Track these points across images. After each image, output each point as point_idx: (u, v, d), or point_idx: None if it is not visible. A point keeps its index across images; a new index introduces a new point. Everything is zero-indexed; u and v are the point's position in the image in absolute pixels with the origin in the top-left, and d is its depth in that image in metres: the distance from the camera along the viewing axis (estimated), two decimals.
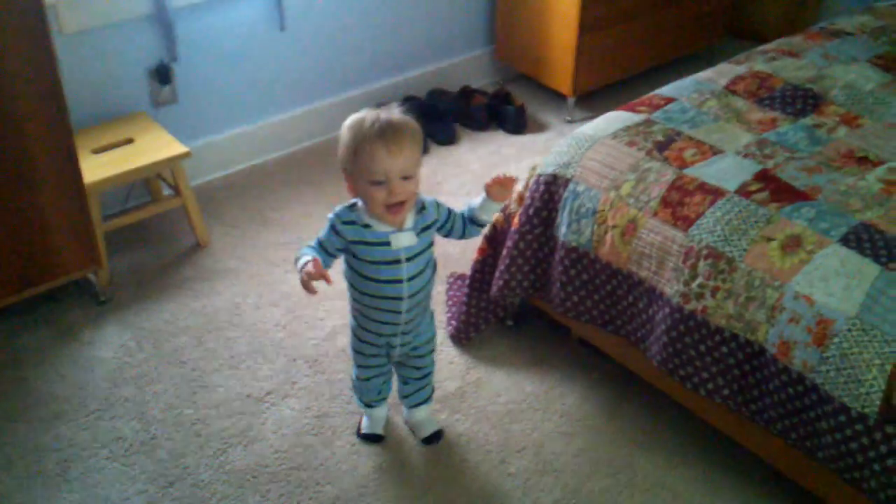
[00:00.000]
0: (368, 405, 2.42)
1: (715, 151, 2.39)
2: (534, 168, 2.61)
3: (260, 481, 2.36)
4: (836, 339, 1.90)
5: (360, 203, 2.04)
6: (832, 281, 1.97)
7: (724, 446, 2.39)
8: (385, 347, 2.23)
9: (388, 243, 2.01)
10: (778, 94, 2.70)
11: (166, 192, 3.46)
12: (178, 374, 2.74)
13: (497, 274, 2.65)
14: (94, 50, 3.19)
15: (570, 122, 4.11)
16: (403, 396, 2.43)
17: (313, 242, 2.06)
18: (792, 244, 2.06)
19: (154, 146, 3.12)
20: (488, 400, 2.61)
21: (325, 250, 2.05)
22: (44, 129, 2.64)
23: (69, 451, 2.47)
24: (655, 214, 2.27)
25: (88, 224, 2.87)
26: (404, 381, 2.39)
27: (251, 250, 3.30)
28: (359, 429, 2.48)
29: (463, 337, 2.80)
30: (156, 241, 3.36)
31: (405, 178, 1.92)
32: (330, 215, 2.05)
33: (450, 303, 2.93)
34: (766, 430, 2.10)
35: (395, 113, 1.95)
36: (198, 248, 3.32)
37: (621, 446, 2.44)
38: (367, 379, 2.33)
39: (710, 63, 3.40)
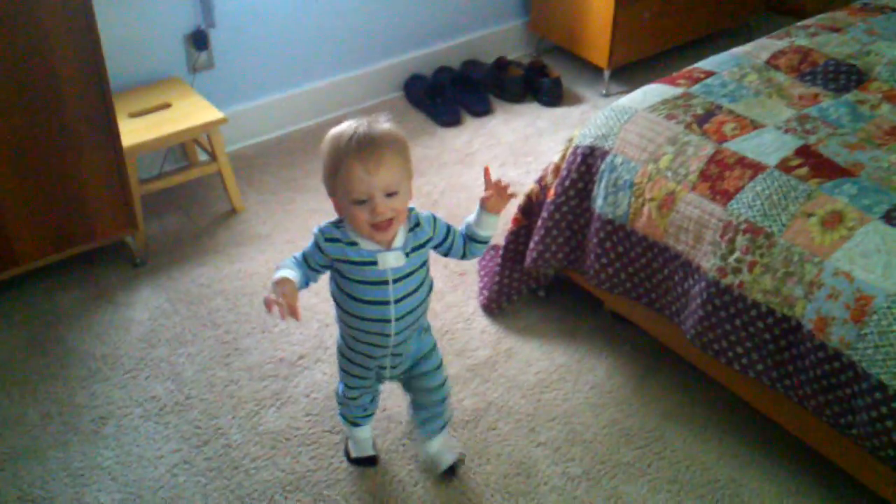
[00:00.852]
0: (353, 423, 2.24)
1: (755, 126, 2.37)
2: (571, 139, 2.60)
3: (292, 443, 2.38)
4: (874, 317, 1.89)
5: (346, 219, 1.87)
6: (873, 258, 1.95)
7: (755, 421, 2.39)
8: (374, 370, 2.08)
9: (374, 263, 1.84)
10: (820, 70, 2.66)
11: (202, 157, 3.49)
12: (211, 336, 2.76)
13: (531, 245, 2.65)
14: (132, 14, 3.20)
15: (605, 95, 4.08)
16: (419, 425, 2.25)
17: (297, 255, 1.91)
18: (832, 220, 2.04)
19: (191, 111, 3.14)
20: (519, 370, 2.61)
21: (309, 265, 1.90)
22: (83, 92, 2.66)
23: (104, 408, 2.51)
24: (694, 188, 2.25)
25: (126, 187, 2.90)
26: (417, 406, 2.21)
27: (285, 216, 3.32)
28: (347, 453, 2.33)
29: (494, 307, 2.81)
30: (191, 206, 3.39)
31: (389, 194, 1.75)
32: (315, 230, 1.89)
33: (482, 273, 2.94)
34: (800, 406, 2.09)
35: (378, 123, 1.77)
36: (233, 213, 3.34)
37: (651, 418, 2.44)
38: (354, 398, 2.16)
39: (748, 38, 3.36)
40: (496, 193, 1.89)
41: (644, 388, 2.54)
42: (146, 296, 2.94)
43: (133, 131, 3.01)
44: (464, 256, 2.01)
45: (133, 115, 3.11)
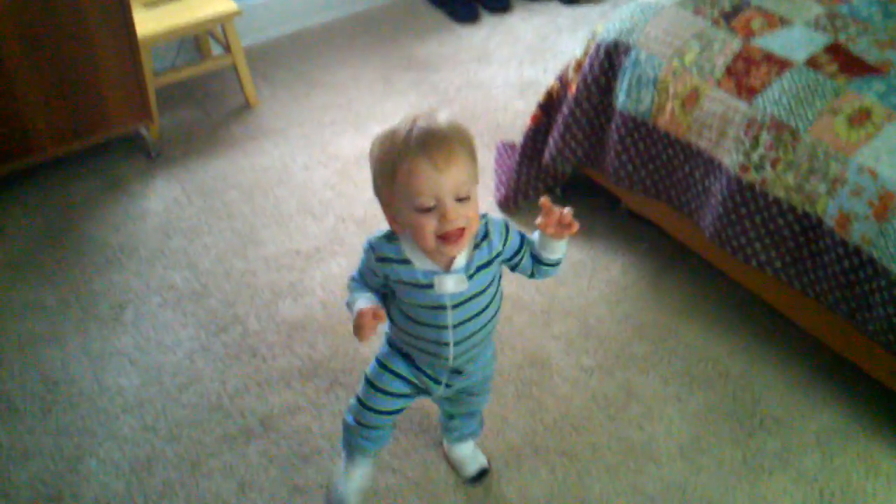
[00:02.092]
0: (352, 453, 1.89)
1: (784, 22, 2.32)
2: (594, 34, 2.55)
3: (308, 332, 2.41)
4: None
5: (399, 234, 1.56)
6: None
7: (769, 318, 2.40)
8: (418, 388, 1.78)
9: (430, 286, 1.55)
10: None
11: (215, 51, 3.44)
12: (227, 227, 2.77)
13: (550, 141, 2.63)
14: None
15: None
16: (446, 430, 2.02)
17: (356, 274, 1.66)
18: (859, 117, 2.02)
19: (206, 2, 3.09)
20: None
21: (368, 285, 1.64)
22: None
23: (122, 296, 2.53)
24: (719, 84, 2.22)
25: (140, 77, 2.87)
26: (449, 416, 1.96)
27: (300, 111, 3.29)
28: (328, 490, 1.97)
29: (511, 204, 2.80)
30: (205, 99, 3.36)
31: (460, 199, 1.44)
32: (365, 244, 1.60)
33: (499, 170, 2.92)
34: (816, 302, 2.10)
35: (437, 116, 1.48)
36: (247, 107, 3.32)
37: (665, 314, 2.46)
38: (375, 426, 1.81)
39: None
40: (555, 226, 1.58)
41: (659, 285, 2.56)
42: (161, 187, 2.94)
43: (147, 21, 2.97)
44: (531, 276, 1.71)
45: (147, 5, 3.06)
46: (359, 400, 1.79)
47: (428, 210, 1.43)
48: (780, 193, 2.08)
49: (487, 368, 1.82)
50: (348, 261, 2.62)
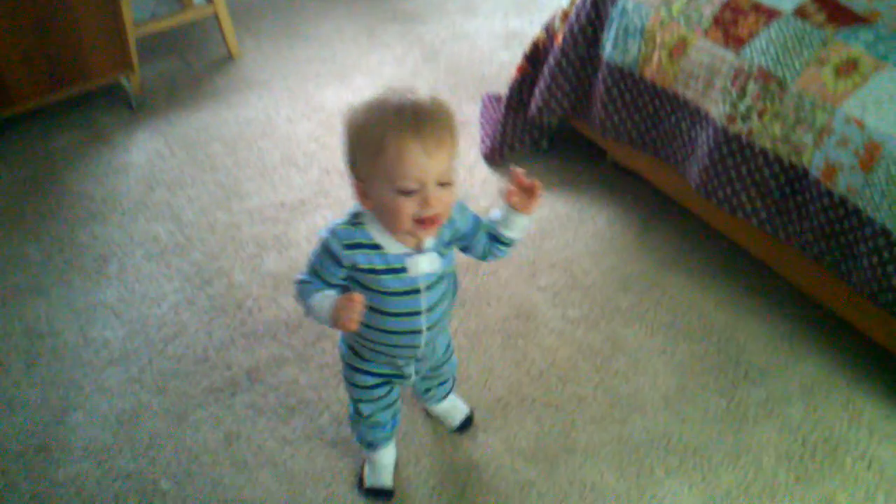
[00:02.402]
0: (371, 445, 1.89)
1: None
2: None
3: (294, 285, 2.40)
4: (883, 163, 1.88)
5: (363, 213, 1.47)
6: (886, 105, 1.92)
7: (754, 270, 2.41)
8: (391, 381, 1.75)
9: (403, 269, 1.49)
10: None
11: (197, 1, 3.39)
12: (211, 180, 2.75)
13: (536, 92, 2.61)
14: None
15: None
16: (423, 399, 2.00)
17: (304, 275, 1.53)
18: (847, 68, 2.00)
19: None
20: None
21: (326, 282, 1.51)
22: None
23: (106, 248, 2.51)
24: (706, 34, 2.20)
25: (120, 25, 2.83)
26: (425, 390, 1.94)
27: (283, 63, 3.25)
28: (360, 480, 1.95)
29: (497, 156, 2.79)
30: (187, 51, 3.32)
31: (443, 184, 1.38)
32: (324, 233, 1.48)
33: (484, 122, 2.91)
34: (801, 253, 2.11)
35: (419, 94, 1.39)
36: (229, 59, 3.28)
37: (650, 266, 2.46)
38: (370, 416, 1.79)
39: None
40: (523, 194, 1.52)
41: (644, 237, 2.56)
42: (143, 139, 2.91)
43: None
44: (483, 257, 1.65)
45: None
46: (351, 398, 1.78)
47: (409, 193, 1.36)
48: (767, 144, 2.08)
49: (445, 340, 1.79)
50: (333, 213, 2.61)
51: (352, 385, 1.73)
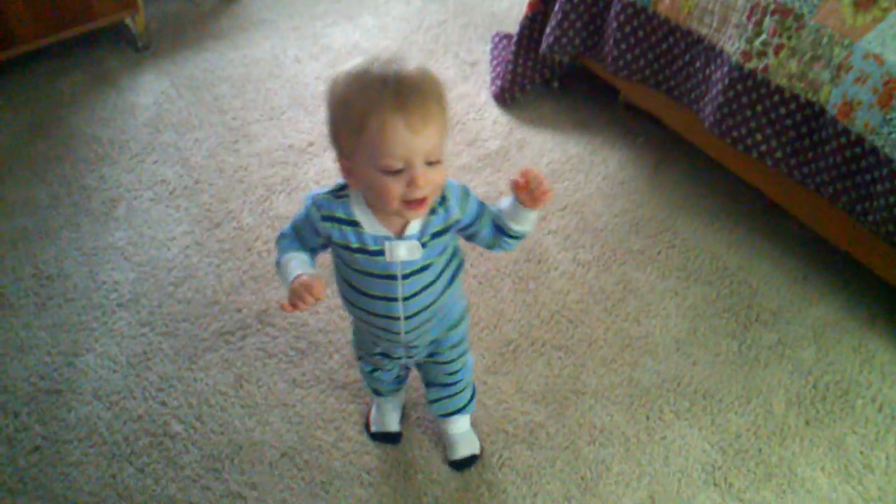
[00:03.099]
0: (377, 392, 1.86)
1: None
2: None
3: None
4: None
5: (348, 187, 1.38)
6: None
7: (767, 212, 2.38)
8: (386, 355, 1.68)
9: (380, 253, 1.39)
10: None
11: None
12: (218, 122, 2.72)
13: (548, 30, 2.56)
14: None
15: None
16: (429, 401, 1.82)
17: (287, 229, 1.47)
18: (866, 1, 1.94)
19: None
20: (531, 160, 2.59)
21: (305, 244, 1.46)
22: None
23: (114, 191, 2.50)
24: None
25: None
26: (427, 383, 1.79)
27: (290, 2, 3.20)
28: (367, 423, 1.94)
29: (507, 97, 2.74)
30: None
31: (431, 163, 1.27)
32: (307, 199, 1.41)
33: (494, 62, 2.86)
34: (816, 194, 2.07)
35: (407, 62, 1.26)
36: None
37: (662, 209, 2.43)
38: (372, 371, 1.77)
39: None
40: (527, 190, 1.38)
41: (656, 179, 2.53)
42: (149, 81, 2.88)
43: None
44: (491, 247, 1.54)
45: None
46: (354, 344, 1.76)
47: (394, 172, 1.25)
48: (783, 81, 2.03)
49: (454, 333, 1.65)
50: None
51: (354, 344, 1.74)
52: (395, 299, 1.45)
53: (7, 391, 2.01)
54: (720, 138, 2.20)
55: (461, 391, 1.78)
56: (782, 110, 2.05)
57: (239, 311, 2.18)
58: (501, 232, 1.49)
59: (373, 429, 1.92)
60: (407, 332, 1.52)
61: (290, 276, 1.39)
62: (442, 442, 1.91)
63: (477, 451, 1.89)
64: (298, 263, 1.41)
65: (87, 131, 2.68)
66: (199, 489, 1.83)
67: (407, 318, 1.48)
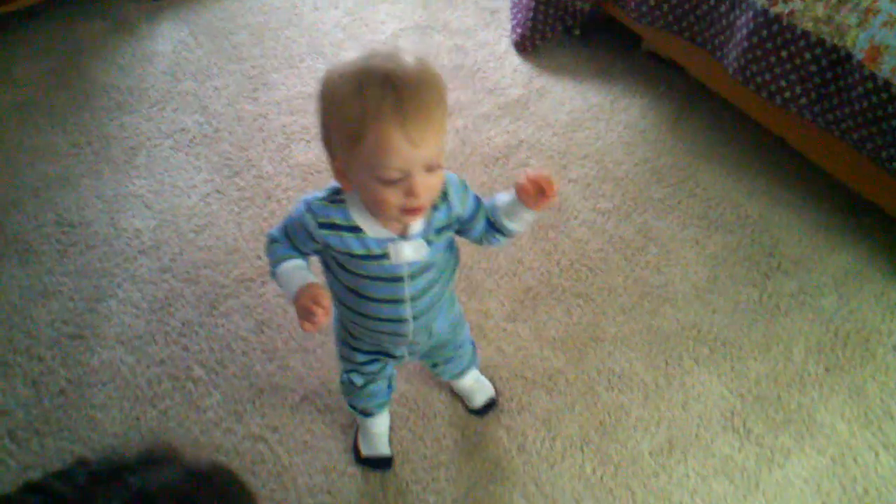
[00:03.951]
0: (364, 413, 1.75)
1: None
2: None
3: (323, 176, 2.38)
4: None
5: (346, 192, 1.29)
6: None
7: (790, 160, 2.36)
8: (383, 359, 1.60)
9: (384, 256, 1.31)
10: None
11: None
12: (237, 70, 2.71)
13: None
14: None
15: None
16: (435, 373, 1.80)
17: (275, 232, 1.38)
18: None
19: None
20: (552, 108, 2.57)
21: (298, 249, 1.36)
22: None
23: (134, 139, 2.50)
24: None
25: None
26: (433, 364, 1.75)
27: None
28: (356, 450, 1.84)
29: (528, 45, 2.72)
30: None
31: (430, 169, 1.18)
32: (300, 205, 1.31)
33: (514, 10, 2.82)
34: (841, 141, 2.05)
35: (404, 57, 1.16)
36: None
37: (683, 157, 2.42)
38: (364, 386, 1.65)
39: None
40: (536, 189, 1.30)
41: (678, 128, 2.50)
42: (168, 28, 2.86)
43: None
44: (478, 241, 1.46)
45: None
46: (343, 369, 1.65)
47: (392, 182, 1.17)
48: (809, 25, 1.99)
49: (450, 316, 1.58)
50: None
51: (343, 359, 1.61)
52: (403, 301, 1.37)
53: (31, 336, 2.03)
54: (744, 85, 2.18)
55: (462, 356, 1.75)
56: (808, 56, 2.02)
57: (259, 258, 2.19)
58: (494, 228, 1.41)
59: (363, 453, 1.82)
60: (415, 333, 1.46)
61: (294, 287, 1.29)
62: (459, 394, 1.91)
63: (492, 394, 1.90)
64: (298, 272, 1.32)
65: (106, 80, 2.68)
66: (222, 432, 1.85)
67: (415, 318, 1.42)
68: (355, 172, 1.19)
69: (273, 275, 1.36)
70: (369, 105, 1.11)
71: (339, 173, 1.23)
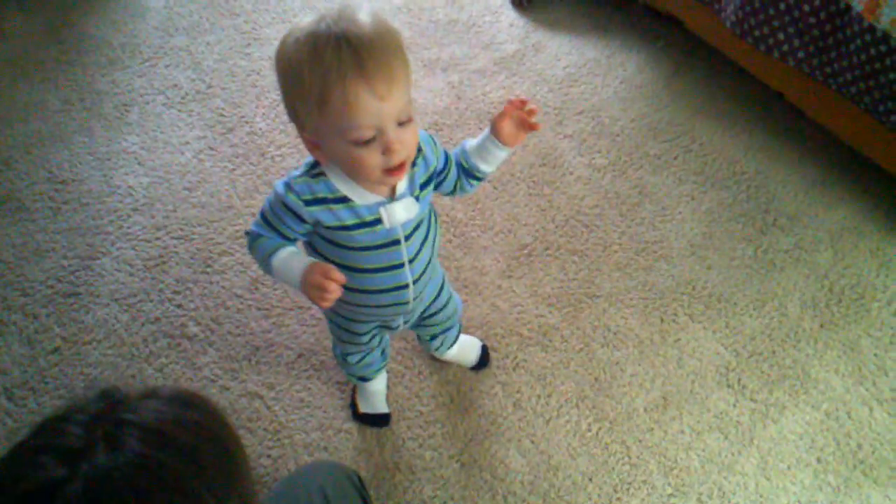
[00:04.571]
0: (363, 379, 1.77)
1: None
2: None
3: None
4: None
5: (321, 164, 1.24)
6: None
7: (787, 116, 2.35)
8: (379, 332, 1.60)
9: (377, 221, 1.27)
10: None
11: None
12: (230, 25, 2.68)
13: None
14: None
15: None
16: (428, 342, 1.80)
17: (260, 228, 1.31)
18: None
19: None
20: (547, 63, 2.54)
21: (284, 236, 1.30)
22: None
23: (127, 95, 2.48)
24: None
25: None
26: (432, 336, 1.77)
27: None
28: (354, 408, 1.86)
29: (524, 0, 2.68)
30: None
31: (402, 122, 1.15)
32: (279, 188, 1.25)
33: None
34: (838, 95, 2.03)
35: (360, 20, 1.11)
36: None
37: (680, 113, 2.40)
38: (358, 361, 1.67)
39: None
40: (516, 117, 1.31)
41: (674, 84, 2.48)
42: None
43: None
44: (452, 193, 1.44)
45: None
46: (336, 344, 1.65)
47: (366, 142, 1.13)
48: None
49: (437, 281, 1.57)
50: None
51: (338, 337, 1.60)
52: (402, 265, 1.35)
53: (26, 294, 2.03)
54: (741, 39, 2.16)
55: (451, 329, 1.75)
56: (806, 8, 1.99)
57: (254, 215, 2.16)
58: (467, 174, 1.41)
59: (361, 410, 1.84)
60: (415, 299, 1.43)
61: (297, 273, 1.25)
62: (453, 362, 1.92)
63: (482, 343, 1.92)
64: (296, 259, 1.28)
65: (99, 35, 2.65)
66: (218, 389, 1.86)
67: (415, 281, 1.39)
68: (328, 141, 1.16)
69: (267, 269, 1.31)
70: (329, 66, 1.07)
71: (311, 146, 1.20)
